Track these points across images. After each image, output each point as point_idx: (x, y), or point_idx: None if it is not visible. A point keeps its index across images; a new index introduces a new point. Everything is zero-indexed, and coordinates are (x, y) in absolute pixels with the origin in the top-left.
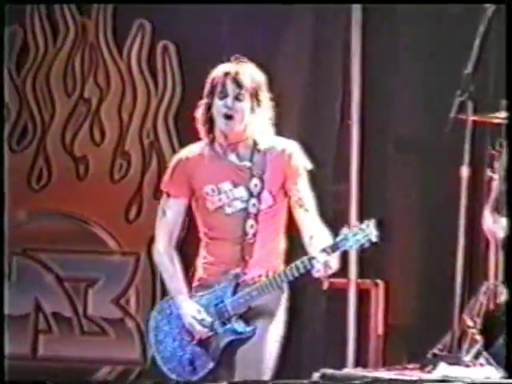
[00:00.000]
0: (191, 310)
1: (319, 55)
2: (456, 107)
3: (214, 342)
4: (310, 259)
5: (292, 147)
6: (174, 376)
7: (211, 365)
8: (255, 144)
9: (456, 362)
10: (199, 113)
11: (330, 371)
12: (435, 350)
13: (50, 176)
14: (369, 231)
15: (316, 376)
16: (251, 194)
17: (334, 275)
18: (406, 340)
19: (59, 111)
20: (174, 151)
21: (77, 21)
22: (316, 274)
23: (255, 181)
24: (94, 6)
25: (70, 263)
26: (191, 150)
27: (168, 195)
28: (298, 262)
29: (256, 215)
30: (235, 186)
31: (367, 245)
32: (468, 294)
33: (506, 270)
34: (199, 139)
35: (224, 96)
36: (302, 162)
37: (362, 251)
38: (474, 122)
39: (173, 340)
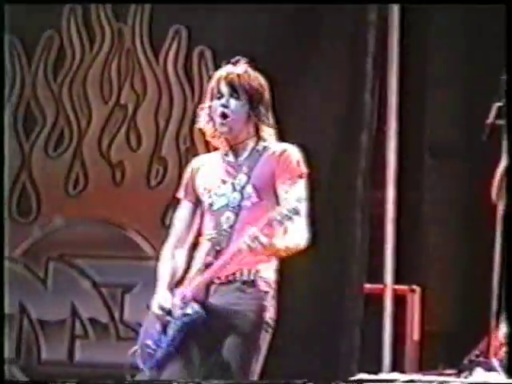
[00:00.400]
0: (158, 297)
1: (356, 63)
2: (493, 113)
3: (170, 327)
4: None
5: (289, 150)
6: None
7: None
8: (255, 145)
9: (492, 368)
10: (201, 118)
11: (366, 376)
12: (472, 356)
13: (87, 182)
14: None
15: (353, 380)
16: (234, 189)
17: (370, 281)
18: (443, 346)
19: (96, 117)
20: None
21: (113, 26)
22: (243, 246)
23: (241, 176)
24: (130, 11)
25: (106, 269)
26: (205, 156)
27: (180, 199)
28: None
29: (236, 209)
30: (224, 182)
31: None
32: (505, 299)
33: (506, 269)
34: None
35: (220, 96)
36: (296, 165)
37: (398, 257)
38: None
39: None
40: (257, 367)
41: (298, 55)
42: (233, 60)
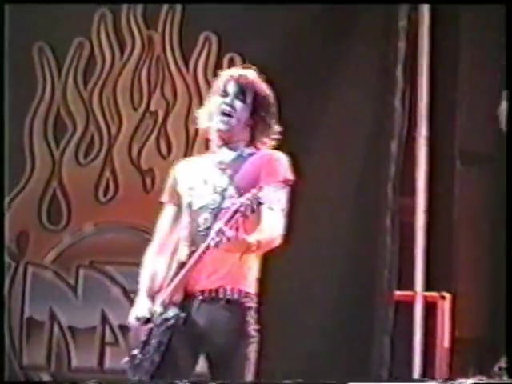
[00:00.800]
0: (136, 307)
1: (386, 69)
2: None
3: (153, 335)
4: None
5: (277, 155)
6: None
7: (156, 359)
8: (244, 148)
9: None
10: (202, 118)
11: None
12: (502, 363)
13: (117, 189)
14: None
15: None
16: (215, 190)
17: (400, 288)
18: (474, 352)
19: (126, 124)
20: None
21: (143, 34)
22: (212, 243)
23: (224, 178)
24: (160, 18)
25: (136, 276)
26: (192, 158)
27: (164, 203)
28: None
29: (215, 211)
30: (205, 182)
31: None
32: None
33: (506, 270)
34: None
35: (225, 95)
36: (280, 169)
37: (428, 264)
38: None
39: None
40: (249, 376)
41: (327, 63)
42: (243, 65)
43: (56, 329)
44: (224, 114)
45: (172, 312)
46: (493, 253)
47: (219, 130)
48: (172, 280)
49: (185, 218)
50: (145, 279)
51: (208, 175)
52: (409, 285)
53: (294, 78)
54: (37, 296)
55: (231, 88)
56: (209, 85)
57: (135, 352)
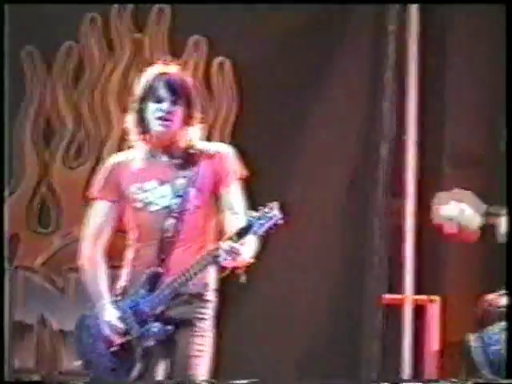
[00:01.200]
0: (108, 316)
1: (375, 73)
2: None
3: (133, 347)
4: (216, 249)
5: (227, 151)
6: None
7: (136, 369)
8: (189, 145)
9: None
10: (131, 116)
11: None
12: None
13: None
14: (272, 214)
15: None
16: (176, 193)
17: (390, 291)
18: (463, 355)
19: (116, 127)
20: None
21: (132, 37)
22: (225, 264)
23: (182, 180)
24: (149, 22)
25: None
26: (123, 154)
27: (95, 199)
28: (204, 254)
29: (179, 214)
30: (161, 183)
31: (272, 227)
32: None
33: (507, 270)
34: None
35: (158, 100)
36: (235, 167)
37: (418, 267)
38: None
39: (95, 350)
40: (207, 368)
41: (316, 67)
42: (162, 60)
43: (46, 332)
44: (162, 119)
45: (157, 327)
46: (481, 256)
47: (157, 134)
48: (142, 287)
49: (135, 218)
50: (102, 286)
51: (162, 175)
52: (399, 288)
53: (283, 81)
54: (27, 299)
55: (164, 92)
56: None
57: (111, 365)
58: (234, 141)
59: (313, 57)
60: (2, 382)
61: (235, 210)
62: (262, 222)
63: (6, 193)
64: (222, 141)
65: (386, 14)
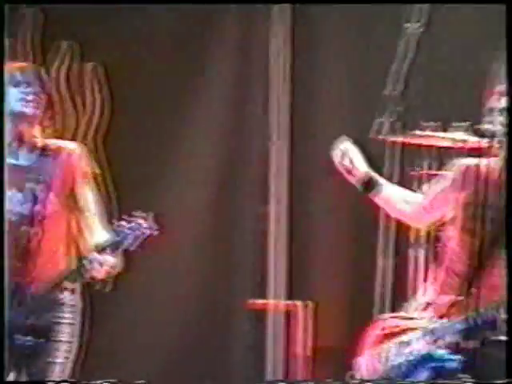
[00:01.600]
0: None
1: (244, 75)
2: (374, 128)
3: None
4: (85, 259)
5: (79, 150)
6: None
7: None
8: (42, 146)
9: None
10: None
11: None
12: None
13: None
14: (146, 225)
15: None
16: (31, 198)
17: (260, 296)
18: (334, 361)
19: None
20: None
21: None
22: (96, 274)
23: (37, 185)
24: (22, 25)
25: None
26: None
27: None
28: (75, 266)
29: (34, 220)
30: (19, 190)
31: (142, 238)
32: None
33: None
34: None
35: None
36: (89, 166)
37: (289, 272)
38: (393, 142)
39: None
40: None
41: (187, 69)
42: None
43: None
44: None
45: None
46: (351, 259)
47: (17, 132)
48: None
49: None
50: None
51: (18, 181)
52: (269, 293)
53: (154, 84)
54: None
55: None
56: (71, 92)
57: None
58: (106, 147)
59: (182, 59)
60: (1, 382)
61: (92, 212)
62: (131, 233)
63: None
64: (95, 147)
65: (256, 16)
